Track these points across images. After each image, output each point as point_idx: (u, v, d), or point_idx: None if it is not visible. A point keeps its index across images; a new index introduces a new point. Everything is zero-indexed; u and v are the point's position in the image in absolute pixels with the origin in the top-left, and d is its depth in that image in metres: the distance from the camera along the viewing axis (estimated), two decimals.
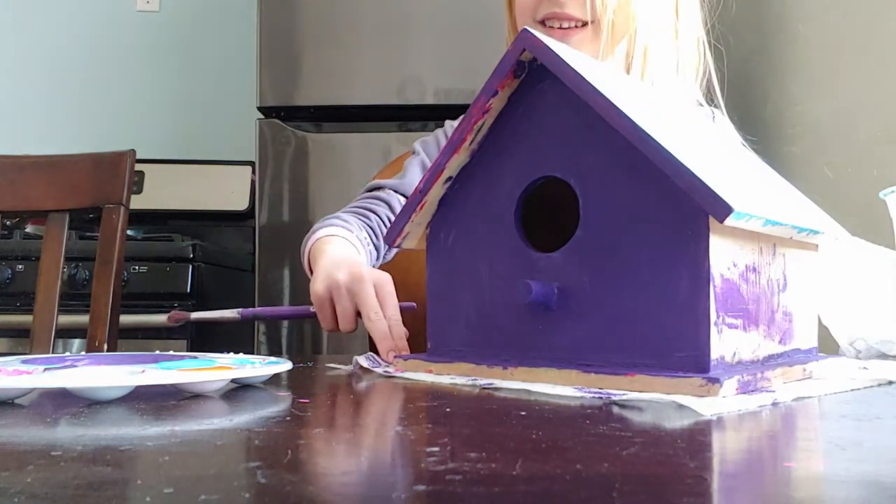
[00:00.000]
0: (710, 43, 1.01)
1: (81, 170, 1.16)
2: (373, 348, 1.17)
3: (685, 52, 0.96)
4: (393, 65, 1.70)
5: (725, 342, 0.47)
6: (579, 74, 0.50)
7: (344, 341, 1.67)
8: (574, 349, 0.51)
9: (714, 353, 0.46)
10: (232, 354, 0.59)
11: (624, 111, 0.48)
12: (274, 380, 0.55)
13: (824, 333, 0.72)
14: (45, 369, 0.49)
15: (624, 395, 0.46)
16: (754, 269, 0.51)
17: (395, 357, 0.64)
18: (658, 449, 0.33)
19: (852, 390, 0.51)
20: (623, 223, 0.49)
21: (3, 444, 0.35)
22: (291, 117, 1.72)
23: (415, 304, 0.79)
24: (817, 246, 0.60)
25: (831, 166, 1.52)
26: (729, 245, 0.48)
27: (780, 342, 0.54)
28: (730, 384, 0.45)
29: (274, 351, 1.70)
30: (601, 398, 0.45)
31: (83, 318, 1.13)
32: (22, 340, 1.67)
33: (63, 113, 2.41)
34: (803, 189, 0.65)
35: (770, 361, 0.53)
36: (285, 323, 1.72)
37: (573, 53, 0.55)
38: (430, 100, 1.70)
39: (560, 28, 0.92)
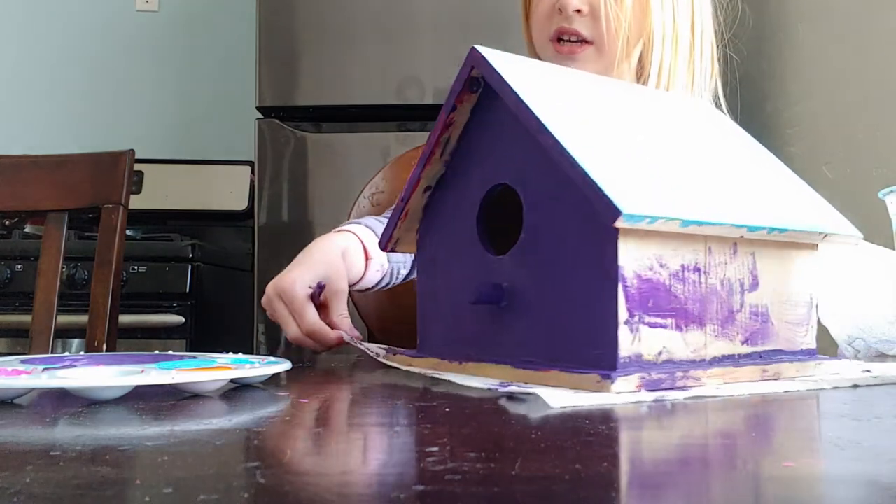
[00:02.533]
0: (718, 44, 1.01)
1: (80, 170, 1.16)
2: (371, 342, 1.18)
3: (700, 66, 0.97)
4: (392, 65, 1.70)
5: (644, 341, 0.49)
6: (509, 86, 0.53)
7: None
8: (516, 346, 0.55)
9: (626, 352, 0.48)
10: (231, 354, 0.59)
11: (541, 118, 0.50)
12: (273, 380, 0.55)
13: (823, 333, 0.72)
14: (44, 369, 0.49)
15: (510, 386, 0.49)
16: (697, 270, 0.52)
17: (388, 351, 0.67)
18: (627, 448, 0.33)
19: (798, 391, 0.50)
20: (553, 226, 0.52)
21: (2, 444, 0.35)
22: (291, 117, 1.72)
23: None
24: (815, 245, 0.60)
25: (831, 166, 1.52)
26: (652, 246, 0.49)
27: (744, 342, 0.55)
28: (627, 381, 0.46)
29: (273, 351, 1.70)
30: (495, 390, 0.48)
31: (82, 318, 1.12)
32: (21, 340, 1.67)
33: (63, 113, 2.41)
34: None
35: (724, 361, 0.53)
36: None
37: (521, 64, 0.58)
38: (429, 100, 1.70)
39: (569, 42, 0.94)
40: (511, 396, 0.47)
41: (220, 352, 0.60)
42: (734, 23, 1.04)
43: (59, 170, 1.17)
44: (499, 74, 0.54)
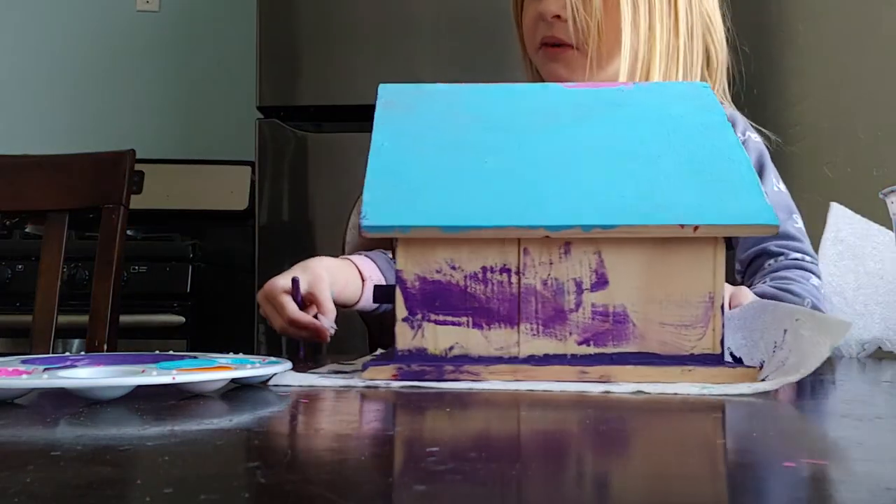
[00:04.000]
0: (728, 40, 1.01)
1: (81, 170, 1.16)
2: (372, 348, 1.18)
3: (689, 59, 0.96)
4: (393, 65, 1.70)
5: (430, 337, 0.54)
6: (376, 115, 0.61)
7: (344, 341, 1.67)
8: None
9: (406, 346, 0.54)
10: (232, 354, 0.59)
11: (375, 142, 0.57)
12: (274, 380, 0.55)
13: None
14: (45, 369, 0.49)
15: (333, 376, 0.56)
16: (507, 271, 0.54)
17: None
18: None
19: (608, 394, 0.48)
20: None
21: (2, 444, 0.35)
22: (291, 117, 1.72)
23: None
24: (716, 239, 0.53)
25: (831, 166, 1.52)
26: (440, 251, 0.54)
27: (583, 343, 0.53)
28: (380, 371, 0.53)
29: (274, 351, 1.70)
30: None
31: (83, 318, 1.12)
32: (21, 340, 1.67)
33: (63, 113, 2.40)
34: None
35: (549, 360, 0.53)
36: None
37: (414, 94, 0.64)
38: None
39: (553, 48, 0.95)
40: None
41: (221, 352, 0.60)
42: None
43: (60, 170, 1.17)
44: (377, 105, 0.62)
